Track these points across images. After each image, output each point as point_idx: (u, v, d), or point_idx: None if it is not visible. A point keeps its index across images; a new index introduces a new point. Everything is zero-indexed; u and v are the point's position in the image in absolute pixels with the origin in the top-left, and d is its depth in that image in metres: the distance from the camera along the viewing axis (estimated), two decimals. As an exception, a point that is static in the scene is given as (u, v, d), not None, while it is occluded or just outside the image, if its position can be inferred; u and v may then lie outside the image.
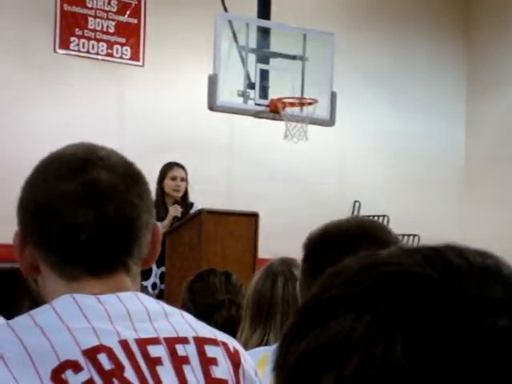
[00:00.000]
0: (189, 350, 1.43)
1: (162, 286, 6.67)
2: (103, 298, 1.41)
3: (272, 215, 8.76)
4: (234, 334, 2.18)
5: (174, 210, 6.74)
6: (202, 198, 7.43)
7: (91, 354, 1.34)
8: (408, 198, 11.59)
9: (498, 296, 0.60)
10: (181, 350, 1.43)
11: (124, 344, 1.37)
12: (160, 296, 6.43)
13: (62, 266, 1.45)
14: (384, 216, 11.05)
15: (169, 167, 7.00)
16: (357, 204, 11.35)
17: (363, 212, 11.29)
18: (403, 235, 10.96)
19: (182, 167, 7.10)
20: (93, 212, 1.43)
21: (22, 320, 1.38)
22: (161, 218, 6.70)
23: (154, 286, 6.73)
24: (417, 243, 10.76)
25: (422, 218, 11.51)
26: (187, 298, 3.29)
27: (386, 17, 11.65)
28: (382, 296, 0.61)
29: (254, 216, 6.34)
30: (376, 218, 11.05)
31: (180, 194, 6.88)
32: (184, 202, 6.89)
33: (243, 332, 2.75)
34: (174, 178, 6.90)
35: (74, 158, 1.49)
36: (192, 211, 6.84)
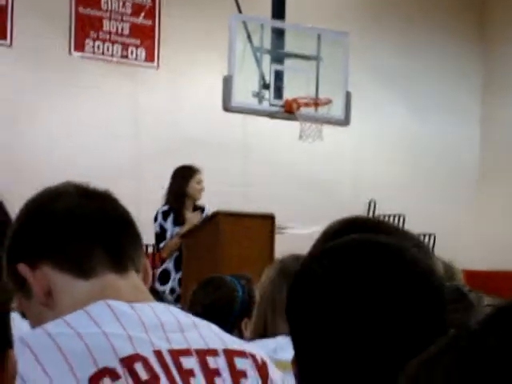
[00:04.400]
0: (219, 363, 1.44)
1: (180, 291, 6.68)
2: (136, 306, 1.42)
3: (288, 215, 8.75)
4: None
5: (196, 218, 6.75)
6: (217, 199, 7.44)
7: (128, 362, 1.34)
8: (423, 197, 11.56)
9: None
10: (212, 362, 1.43)
11: (158, 354, 1.38)
12: (177, 301, 6.44)
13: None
14: (400, 215, 11.04)
15: (195, 171, 6.99)
16: (372, 203, 11.34)
17: (378, 211, 11.27)
18: (419, 234, 10.93)
19: None
20: None
21: (55, 324, 1.38)
22: (180, 221, 6.72)
23: (172, 290, 6.73)
24: (433, 242, 10.74)
25: (438, 217, 11.49)
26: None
27: (401, 16, 11.62)
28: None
29: (270, 217, 6.33)
30: (391, 217, 11.04)
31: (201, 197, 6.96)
32: (197, 205, 6.95)
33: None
34: (199, 182, 6.92)
35: None
36: (204, 215, 6.85)
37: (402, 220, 11.02)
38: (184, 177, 6.90)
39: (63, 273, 1.48)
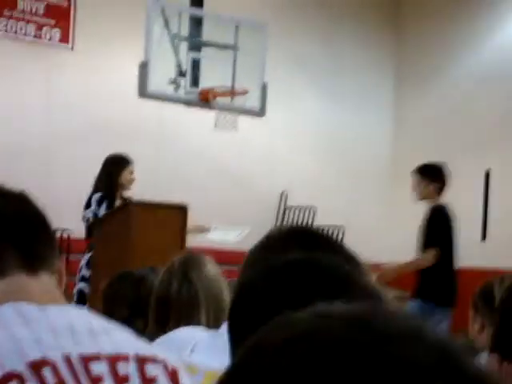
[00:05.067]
0: (129, 369, 1.42)
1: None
2: (47, 309, 1.39)
3: (202, 205, 8.73)
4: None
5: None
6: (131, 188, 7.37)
7: (36, 366, 1.31)
8: (335, 189, 11.67)
9: (426, 360, 0.59)
10: (122, 368, 1.41)
11: (67, 359, 1.36)
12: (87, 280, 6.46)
13: None
14: (311, 207, 11.12)
15: (129, 161, 6.94)
16: (284, 195, 11.39)
17: (290, 203, 11.34)
18: (329, 226, 11.04)
19: None
20: None
21: None
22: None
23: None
24: (342, 234, 10.85)
25: (349, 209, 11.61)
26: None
27: (318, 7, 11.68)
28: (313, 369, 0.59)
29: (182, 209, 6.29)
30: (303, 210, 11.12)
31: None
32: (125, 197, 6.93)
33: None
34: (131, 172, 6.88)
35: None
36: None
37: (312, 212, 11.10)
38: (117, 166, 6.85)
39: None
